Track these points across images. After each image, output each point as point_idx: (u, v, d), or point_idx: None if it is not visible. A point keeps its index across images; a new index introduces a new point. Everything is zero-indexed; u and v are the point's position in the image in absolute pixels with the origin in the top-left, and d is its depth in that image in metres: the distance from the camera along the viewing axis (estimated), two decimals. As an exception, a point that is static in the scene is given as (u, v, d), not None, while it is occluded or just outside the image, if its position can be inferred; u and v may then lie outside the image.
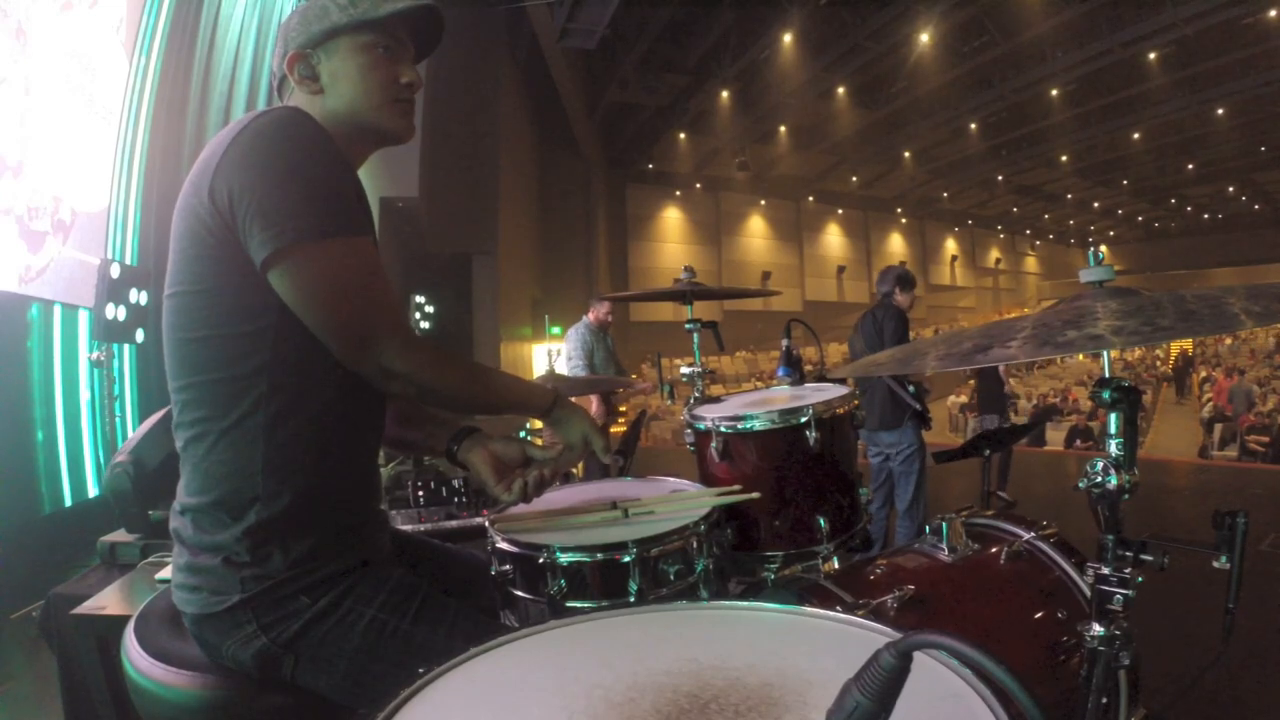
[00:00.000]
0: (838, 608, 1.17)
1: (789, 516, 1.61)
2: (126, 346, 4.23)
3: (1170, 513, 5.09)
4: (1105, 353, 1.06)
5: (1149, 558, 0.97)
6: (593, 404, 5.00)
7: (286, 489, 1.07)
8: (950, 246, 30.31)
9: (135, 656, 1.12)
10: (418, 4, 1.16)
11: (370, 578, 1.11)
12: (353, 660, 1.07)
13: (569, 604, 1.24)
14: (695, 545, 1.32)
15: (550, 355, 4.93)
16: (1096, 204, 30.60)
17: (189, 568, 1.09)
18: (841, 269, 25.76)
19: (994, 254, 33.01)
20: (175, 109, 4.76)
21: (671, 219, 22.07)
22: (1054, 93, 17.04)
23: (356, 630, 1.07)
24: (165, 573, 1.92)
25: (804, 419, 1.58)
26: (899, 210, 27.52)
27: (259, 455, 1.06)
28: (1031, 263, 36.15)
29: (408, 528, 2.25)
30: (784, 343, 1.96)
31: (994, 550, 1.45)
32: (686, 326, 2.06)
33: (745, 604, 0.92)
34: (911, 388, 3.65)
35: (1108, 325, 0.83)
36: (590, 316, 5.11)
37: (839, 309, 23.24)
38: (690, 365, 1.99)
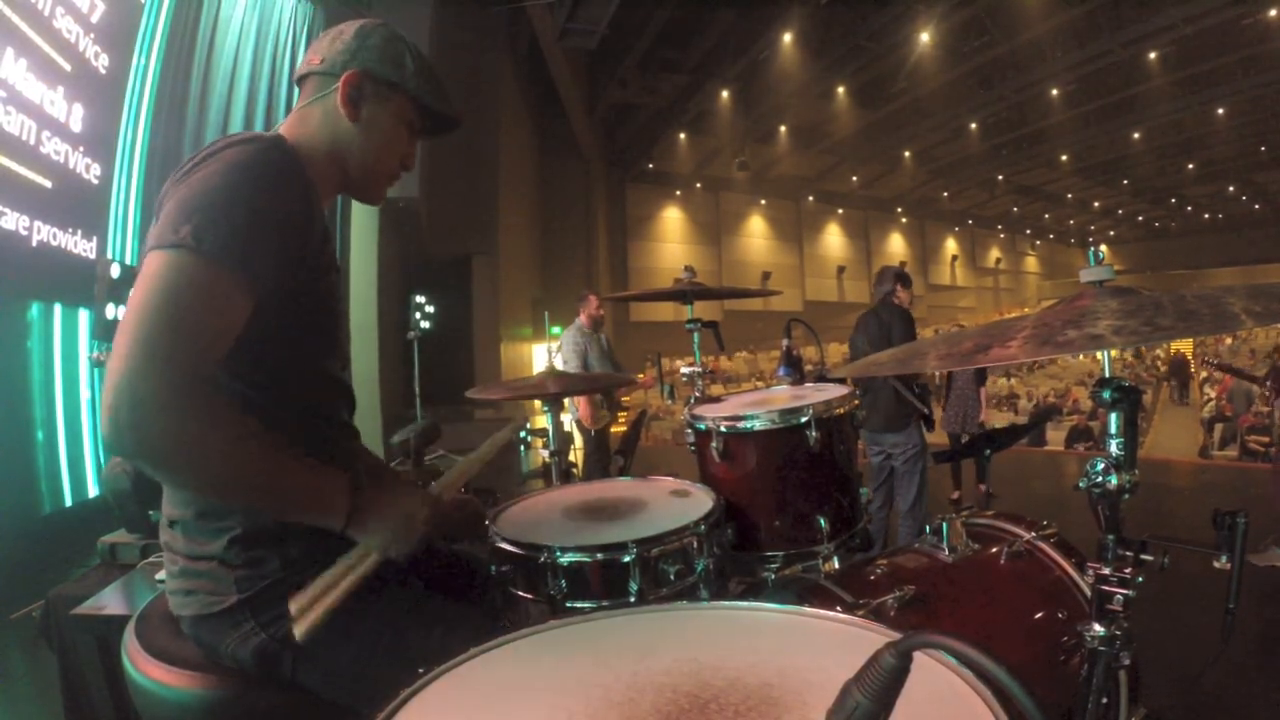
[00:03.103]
0: (838, 608, 1.16)
1: (789, 516, 1.61)
2: (126, 346, 4.21)
3: (1170, 513, 5.08)
4: (1105, 353, 1.06)
5: (1149, 558, 0.97)
6: (581, 405, 4.95)
7: None
8: (950, 246, 30.30)
9: (135, 656, 1.12)
10: (456, 115, 1.28)
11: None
12: (350, 657, 1.07)
13: (569, 604, 1.24)
14: (695, 545, 1.32)
15: (550, 353, 4.91)
16: (1096, 204, 30.61)
17: (184, 573, 1.10)
18: (841, 269, 25.75)
19: (994, 254, 33.01)
20: (175, 109, 4.76)
21: (671, 219, 22.06)
22: (1054, 93, 17.05)
23: (352, 627, 1.07)
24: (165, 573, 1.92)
25: (804, 419, 1.58)
26: (899, 210, 27.50)
27: None
28: (1031, 263, 36.15)
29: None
30: (784, 343, 1.96)
31: (994, 550, 1.45)
32: (686, 326, 2.06)
33: (745, 604, 0.92)
34: (916, 389, 3.66)
35: (1108, 325, 0.83)
36: (581, 318, 5.04)
37: (839, 309, 23.23)
38: (690, 365, 1.99)
